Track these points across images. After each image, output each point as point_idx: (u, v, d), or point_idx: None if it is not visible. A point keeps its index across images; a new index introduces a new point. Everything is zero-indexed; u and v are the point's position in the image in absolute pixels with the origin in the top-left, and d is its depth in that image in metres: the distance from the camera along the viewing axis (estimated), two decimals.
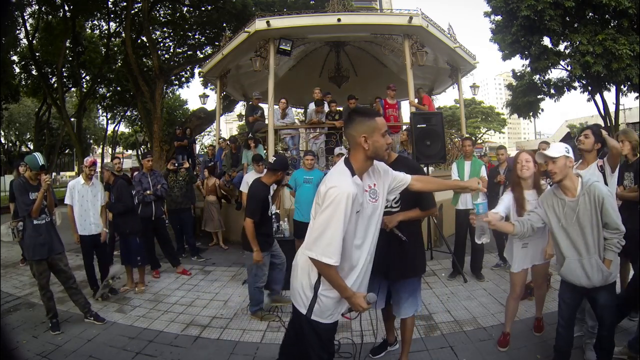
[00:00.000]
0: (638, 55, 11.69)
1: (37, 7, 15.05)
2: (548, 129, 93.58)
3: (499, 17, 14.25)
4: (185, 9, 15.51)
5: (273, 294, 3.94)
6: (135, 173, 5.86)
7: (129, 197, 4.62)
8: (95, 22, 16.87)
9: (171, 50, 17.08)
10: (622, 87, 13.81)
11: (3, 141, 26.98)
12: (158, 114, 13.35)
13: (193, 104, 56.61)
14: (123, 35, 14.60)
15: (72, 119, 18.24)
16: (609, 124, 14.70)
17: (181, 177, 6.13)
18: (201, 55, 16.15)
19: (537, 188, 2.76)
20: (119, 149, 33.08)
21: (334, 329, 1.85)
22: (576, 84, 14.63)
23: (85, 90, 18.57)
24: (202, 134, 27.23)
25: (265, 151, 7.16)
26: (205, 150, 12.00)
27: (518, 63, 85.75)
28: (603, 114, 14.93)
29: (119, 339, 3.34)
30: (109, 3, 15.09)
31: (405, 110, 8.47)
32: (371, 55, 9.63)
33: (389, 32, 7.23)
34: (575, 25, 12.96)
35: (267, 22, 6.86)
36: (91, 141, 31.87)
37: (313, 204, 1.76)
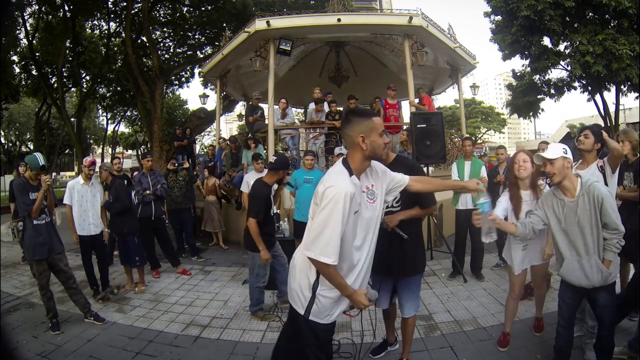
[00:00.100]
0: (638, 55, 11.69)
1: (37, 7, 15.05)
2: (548, 129, 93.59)
3: (499, 17, 14.25)
4: (185, 9, 15.51)
5: (282, 295, 3.92)
6: (135, 173, 5.86)
7: (127, 197, 4.61)
8: (95, 22, 16.89)
9: (171, 50, 17.08)
10: (622, 87, 13.81)
11: (3, 141, 27.00)
12: (158, 114, 13.35)
13: (193, 104, 56.63)
14: (123, 35, 14.60)
15: (72, 119, 18.24)
16: (609, 124, 14.70)
17: (181, 177, 6.13)
18: (201, 55, 16.15)
19: (534, 188, 2.75)
20: (119, 149, 33.10)
21: (332, 329, 1.85)
22: (576, 84, 14.63)
23: (85, 90, 18.57)
24: (202, 134, 27.26)
25: (265, 151, 7.16)
26: (205, 150, 12.00)
27: (518, 63, 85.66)
28: (603, 114, 14.93)
29: (119, 339, 3.34)
30: (109, 3, 15.09)
31: (406, 110, 8.48)
32: (371, 55, 9.63)
33: (389, 32, 7.23)
34: (575, 25, 12.97)
35: (267, 22, 6.86)
36: (91, 141, 31.88)
37: (311, 204, 1.76)
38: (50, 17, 15.32)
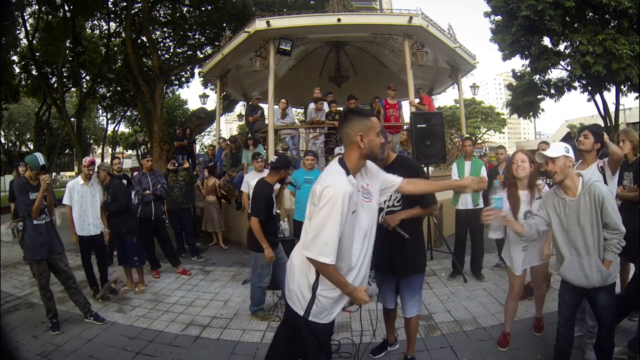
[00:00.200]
0: (638, 55, 11.69)
1: (37, 7, 15.06)
2: (548, 129, 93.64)
3: (499, 17, 14.25)
4: (185, 9, 15.50)
5: (284, 296, 3.91)
6: (135, 173, 5.86)
7: (124, 197, 4.60)
8: (95, 22, 16.89)
9: (171, 50, 17.07)
10: (622, 87, 13.81)
11: (3, 141, 26.99)
12: (158, 114, 13.34)
13: (193, 104, 56.63)
14: (123, 35, 14.60)
15: (72, 119, 18.24)
16: (609, 124, 14.70)
17: (181, 177, 6.13)
18: (201, 55, 16.14)
19: (532, 188, 2.75)
20: (119, 149, 33.10)
21: (331, 329, 1.86)
22: (576, 84, 14.63)
23: (85, 90, 18.57)
24: (202, 134, 27.24)
25: (265, 151, 7.16)
26: (205, 150, 11.99)
27: (518, 63, 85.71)
28: (603, 114, 14.93)
29: (119, 339, 3.34)
30: (109, 3, 15.09)
31: (406, 110, 8.48)
32: (371, 55, 9.63)
33: (389, 32, 7.23)
34: (575, 25, 12.97)
35: (267, 22, 6.86)
36: (91, 141, 31.87)
37: (308, 204, 1.75)
38: (50, 17, 15.32)
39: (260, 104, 8.15)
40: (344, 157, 1.78)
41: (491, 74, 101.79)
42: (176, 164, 6.34)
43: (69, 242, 4.13)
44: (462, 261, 4.76)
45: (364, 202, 1.77)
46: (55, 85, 17.04)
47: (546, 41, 13.64)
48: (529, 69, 14.97)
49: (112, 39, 16.60)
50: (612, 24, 12.53)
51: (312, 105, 7.59)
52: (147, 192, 5.14)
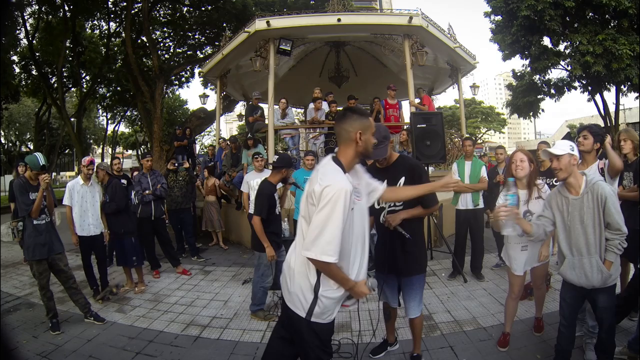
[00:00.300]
0: (638, 55, 11.69)
1: (37, 7, 15.05)
2: (548, 129, 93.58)
3: (499, 17, 14.26)
4: (185, 9, 15.50)
5: None
6: (135, 173, 5.86)
7: (122, 197, 4.59)
8: (95, 22, 16.86)
9: (171, 50, 17.06)
10: (622, 87, 13.81)
11: (3, 141, 26.98)
12: (158, 114, 13.34)
13: (193, 104, 56.68)
14: (123, 35, 14.59)
15: (72, 119, 18.23)
16: (608, 124, 14.71)
17: (181, 177, 6.13)
18: (201, 55, 16.14)
19: (531, 188, 2.75)
20: (119, 149, 33.09)
21: (332, 328, 1.86)
22: (576, 84, 14.63)
23: (85, 90, 18.56)
24: (202, 134, 27.23)
25: (265, 151, 7.16)
26: (205, 150, 11.99)
27: (518, 63, 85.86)
28: (603, 114, 14.93)
29: (119, 339, 3.34)
30: (109, 3, 15.08)
31: (406, 110, 8.48)
32: (371, 55, 9.63)
33: (389, 32, 7.23)
34: (575, 25, 12.97)
35: (267, 22, 6.86)
36: (91, 141, 31.84)
37: (304, 204, 1.73)
38: (50, 17, 15.30)
39: (260, 104, 8.15)
40: (338, 155, 1.79)
41: (491, 74, 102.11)
42: (176, 164, 6.34)
43: (68, 242, 4.13)
44: (462, 261, 4.76)
45: (356, 200, 1.79)
46: (55, 85, 17.03)
47: (546, 41, 13.65)
48: (529, 69, 14.97)
49: (112, 39, 16.60)
50: (612, 24, 12.54)
51: (312, 105, 7.59)
52: (147, 192, 5.14)
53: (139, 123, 23.19)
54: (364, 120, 1.77)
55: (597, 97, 14.74)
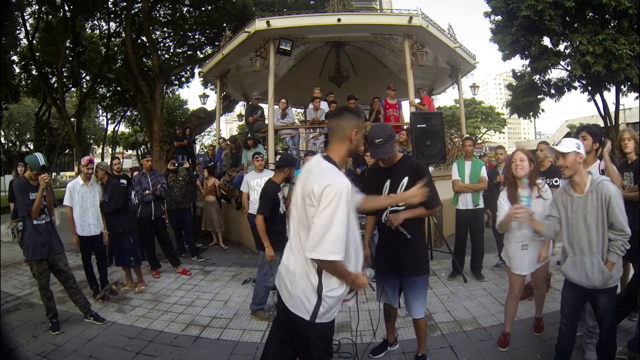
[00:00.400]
0: (638, 55, 11.69)
1: (37, 7, 15.04)
2: (548, 129, 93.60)
3: (499, 17, 14.26)
4: (185, 9, 15.49)
5: None
6: (135, 173, 5.86)
7: (120, 197, 4.58)
8: (95, 22, 16.86)
9: (171, 50, 17.05)
10: (622, 87, 13.82)
11: (3, 141, 26.98)
12: (158, 114, 13.33)
13: (193, 104, 56.68)
14: (123, 35, 14.59)
15: (72, 119, 18.23)
16: (609, 124, 14.71)
17: (181, 177, 6.14)
18: (201, 55, 16.12)
19: (531, 187, 2.76)
20: (119, 149, 33.09)
21: (333, 327, 1.86)
22: (576, 84, 14.63)
23: (85, 90, 18.56)
24: (202, 134, 27.23)
25: (265, 151, 7.16)
26: (205, 150, 11.98)
27: (518, 63, 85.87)
28: (603, 114, 14.94)
29: (119, 339, 3.34)
30: (109, 3, 15.07)
31: (406, 110, 8.48)
32: (371, 55, 9.63)
33: (389, 32, 7.23)
34: (575, 25, 12.97)
35: (267, 22, 6.86)
36: (91, 141, 31.85)
37: (299, 206, 1.72)
38: (50, 17, 15.30)
39: (260, 104, 8.15)
40: (329, 153, 1.79)
41: (491, 74, 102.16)
42: (176, 164, 6.34)
43: (68, 242, 4.13)
44: (462, 261, 4.76)
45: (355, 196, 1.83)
46: (55, 85, 17.02)
47: (546, 41, 13.66)
48: (529, 69, 14.97)
49: (112, 39, 16.59)
50: (612, 24, 12.54)
51: (311, 105, 7.59)
52: (147, 192, 5.14)
53: (139, 123, 23.18)
54: (357, 120, 1.82)
55: (597, 97, 14.74)
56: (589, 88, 14.31)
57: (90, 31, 17.85)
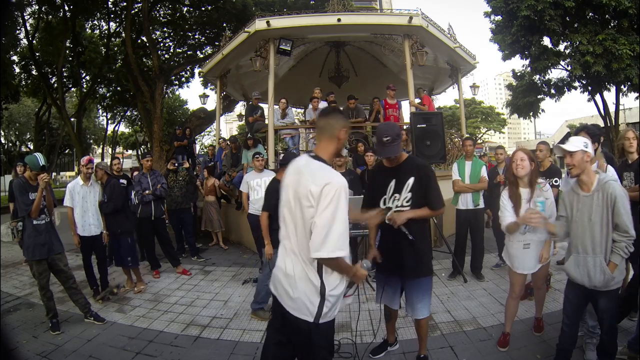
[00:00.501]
0: (638, 55, 11.69)
1: (37, 7, 15.04)
2: (548, 129, 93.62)
3: (499, 17, 14.26)
4: (185, 9, 15.50)
5: None
6: (135, 173, 5.86)
7: (120, 197, 4.58)
8: (95, 22, 16.86)
9: (171, 50, 17.05)
10: (622, 87, 13.82)
11: (3, 141, 26.98)
12: (158, 114, 13.33)
13: (193, 104, 56.67)
14: (123, 35, 14.59)
15: (72, 119, 18.23)
16: (609, 124, 14.71)
17: (181, 177, 6.13)
18: (201, 55, 16.12)
19: (532, 186, 2.76)
20: (119, 149, 33.09)
21: (334, 325, 1.86)
22: (576, 84, 14.63)
23: (85, 90, 18.57)
24: (202, 134, 27.23)
25: (265, 151, 7.16)
26: (205, 150, 11.98)
27: (518, 63, 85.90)
28: (603, 114, 14.94)
29: (119, 339, 3.34)
30: (109, 3, 15.07)
31: (406, 110, 8.48)
32: (371, 55, 9.63)
33: (389, 32, 7.23)
34: (575, 25, 12.97)
35: (267, 22, 6.86)
36: (91, 141, 31.87)
37: (293, 208, 1.71)
38: (50, 17, 15.30)
39: (260, 104, 8.15)
40: (318, 153, 1.80)
41: (491, 74, 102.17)
42: (176, 164, 6.34)
43: (69, 243, 4.13)
44: (462, 261, 4.76)
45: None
46: (55, 85, 17.03)
47: (546, 41, 13.66)
48: (529, 69, 14.97)
49: (112, 39, 16.59)
50: (612, 24, 12.54)
51: (310, 105, 7.59)
52: (147, 192, 5.14)
53: (139, 123, 23.18)
54: (344, 120, 1.88)
55: (597, 97, 14.74)
56: (589, 88, 14.31)
57: (90, 31, 17.86)
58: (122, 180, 5.11)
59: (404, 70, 7.46)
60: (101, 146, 29.32)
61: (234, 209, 6.83)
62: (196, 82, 44.16)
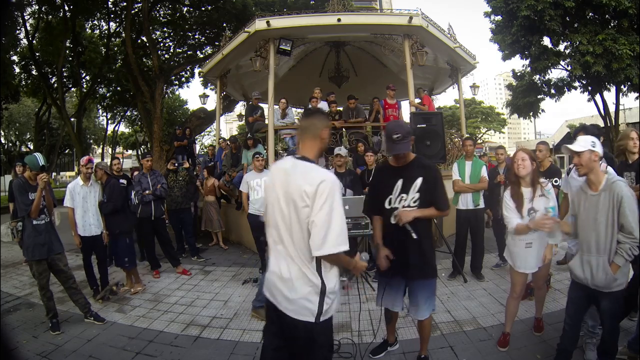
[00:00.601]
0: (638, 55, 11.69)
1: (37, 7, 15.04)
2: (548, 129, 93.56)
3: (499, 17, 14.27)
4: (185, 9, 15.50)
5: None
6: (135, 173, 5.86)
7: (119, 197, 4.57)
8: (95, 22, 16.86)
9: (171, 50, 17.05)
10: (622, 87, 13.82)
11: (3, 141, 26.98)
12: (158, 114, 13.33)
13: (193, 104, 56.64)
14: (123, 35, 14.59)
15: (72, 119, 18.23)
16: (609, 124, 14.71)
17: (181, 177, 6.13)
18: (201, 55, 16.12)
19: (534, 186, 2.77)
20: (119, 149, 33.10)
21: (332, 323, 1.85)
22: (576, 84, 14.64)
23: (85, 90, 18.56)
24: (202, 134, 27.24)
25: (265, 151, 7.16)
26: (205, 150, 11.98)
27: (518, 63, 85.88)
28: (603, 114, 14.94)
29: (119, 339, 3.34)
30: (109, 3, 15.08)
31: (406, 110, 8.47)
32: (371, 55, 9.62)
33: (389, 32, 7.22)
34: (575, 25, 12.98)
35: (267, 22, 6.85)
36: (91, 141, 31.87)
37: (285, 209, 1.71)
38: (50, 17, 15.30)
39: (260, 104, 8.15)
40: (303, 153, 1.81)
41: (491, 74, 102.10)
42: (176, 164, 6.34)
43: (69, 243, 4.13)
44: (462, 261, 4.76)
45: None
46: (55, 85, 17.03)
47: (546, 41, 13.66)
48: (529, 69, 14.97)
49: (112, 39, 16.58)
50: (612, 24, 12.54)
51: (310, 105, 7.59)
52: (147, 192, 5.14)
53: (139, 123, 23.19)
54: (328, 120, 1.96)
55: (597, 97, 14.74)
56: (589, 88, 14.31)
57: (90, 31, 17.85)
58: (122, 180, 5.11)
59: (404, 70, 7.45)
60: (101, 146, 29.33)
61: (234, 209, 6.83)
62: (196, 82, 44.16)
